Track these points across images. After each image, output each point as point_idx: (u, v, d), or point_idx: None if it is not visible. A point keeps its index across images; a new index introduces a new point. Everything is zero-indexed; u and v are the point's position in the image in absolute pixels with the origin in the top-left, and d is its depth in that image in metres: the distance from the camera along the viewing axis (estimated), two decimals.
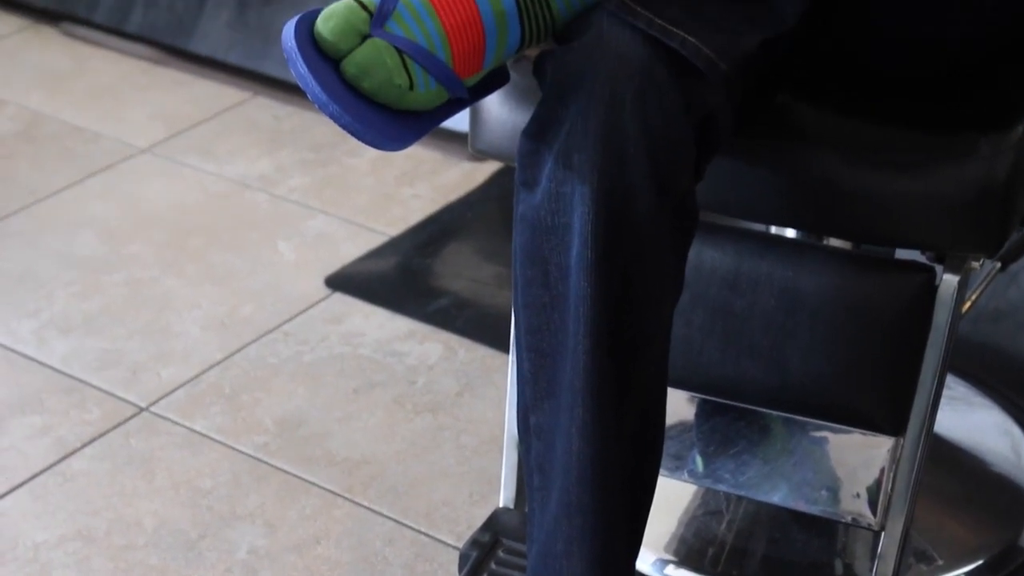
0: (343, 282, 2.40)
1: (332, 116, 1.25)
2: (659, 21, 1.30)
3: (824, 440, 1.68)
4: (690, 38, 1.30)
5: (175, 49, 3.12)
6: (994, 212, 1.44)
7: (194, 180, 2.69)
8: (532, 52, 1.39)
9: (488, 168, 2.66)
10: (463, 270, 2.44)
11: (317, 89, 1.25)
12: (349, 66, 1.27)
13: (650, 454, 1.41)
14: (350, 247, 2.49)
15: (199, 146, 2.80)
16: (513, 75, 1.50)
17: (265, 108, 2.93)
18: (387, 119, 1.28)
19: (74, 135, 2.84)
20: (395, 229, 2.54)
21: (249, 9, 3.03)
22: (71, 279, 2.41)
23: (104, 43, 3.18)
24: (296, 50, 1.25)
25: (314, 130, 2.82)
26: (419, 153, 2.71)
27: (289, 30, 1.27)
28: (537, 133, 1.33)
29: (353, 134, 1.27)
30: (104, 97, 2.98)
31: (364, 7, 1.28)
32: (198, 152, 2.77)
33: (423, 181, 2.66)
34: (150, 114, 2.91)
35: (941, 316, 1.52)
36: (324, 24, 1.27)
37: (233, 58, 3.04)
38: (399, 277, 2.43)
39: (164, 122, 2.88)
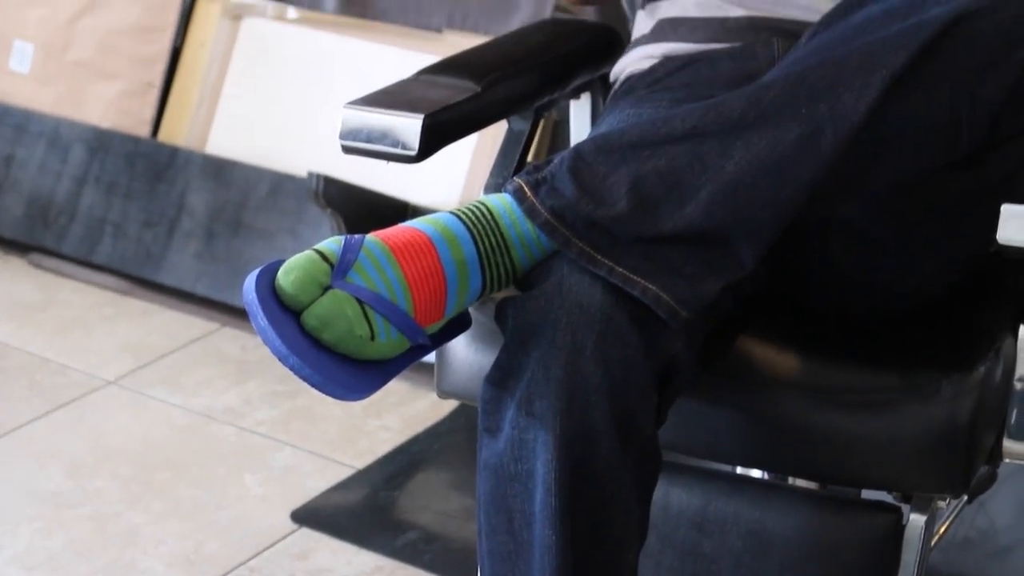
0: (310, 516, 2.38)
1: (292, 368, 1.25)
2: (620, 269, 1.31)
3: None
4: (651, 286, 1.31)
5: (143, 280, 3.13)
6: (958, 454, 1.44)
7: (161, 413, 2.68)
8: (499, 295, 1.39)
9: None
10: (431, 502, 2.42)
11: (277, 342, 1.25)
12: (310, 318, 1.27)
13: None
14: (317, 480, 2.47)
15: (166, 378, 2.79)
16: (479, 317, 1.51)
17: (232, 339, 2.93)
18: (348, 370, 1.29)
19: (41, 367, 2.83)
20: (363, 461, 2.52)
21: (217, 240, 3.05)
22: (35, 515, 2.38)
23: (72, 274, 3.19)
24: (257, 303, 1.25)
25: None
26: (387, 384, 2.69)
27: (250, 283, 1.27)
28: (499, 380, 1.34)
29: (313, 386, 1.27)
30: (72, 328, 2.98)
31: (325, 258, 1.29)
32: (165, 384, 2.77)
33: (391, 412, 2.66)
34: (118, 345, 2.91)
35: (909, 555, 1.51)
36: (285, 277, 1.28)
37: (201, 289, 3.05)
38: (367, 511, 2.41)
39: (132, 353, 2.88)
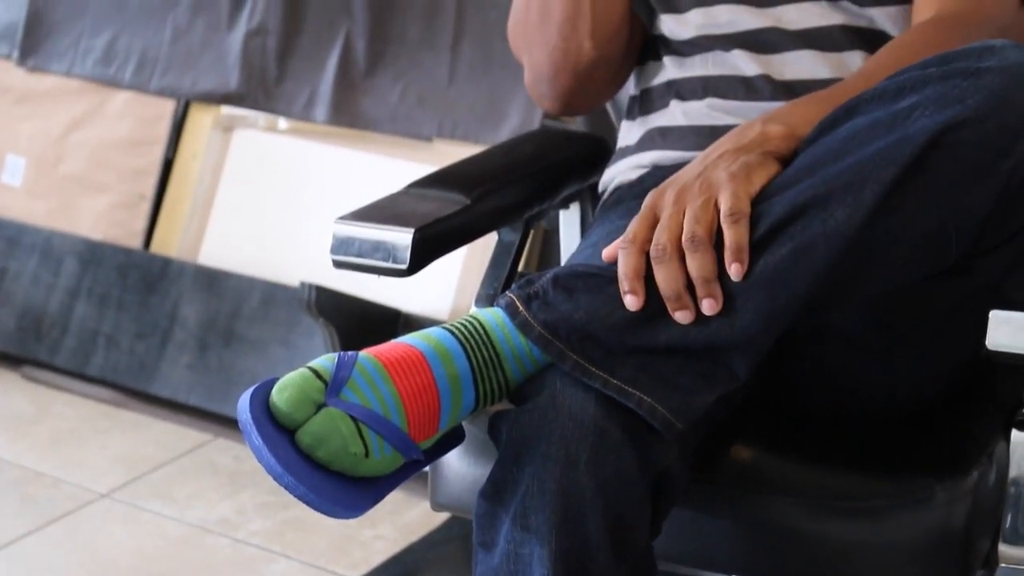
0: None
1: (287, 487, 1.25)
2: (614, 381, 1.31)
3: None
4: (646, 398, 1.31)
5: (136, 392, 3.13)
6: (954, 560, 1.44)
7: (154, 525, 2.66)
8: (492, 409, 1.39)
9: None
10: None
11: (272, 461, 1.25)
12: (304, 436, 1.27)
13: None
14: None
15: (159, 490, 2.78)
16: (473, 430, 1.51)
17: (226, 450, 2.92)
18: (342, 487, 1.28)
19: (34, 481, 2.82)
20: (357, 572, 2.51)
21: (210, 351, 3.05)
22: None
23: (65, 386, 3.19)
24: (251, 422, 1.25)
25: None
26: None
27: (244, 402, 1.27)
28: (493, 495, 1.33)
29: (308, 504, 1.26)
30: (65, 441, 2.97)
31: (319, 376, 1.29)
32: (158, 496, 2.76)
33: (385, 522, 2.65)
34: (111, 458, 2.90)
35: None
36: (279, 395, 1.28)
37: (194, 400, 3.05)
38: None
39: (125, 466, 2.87)
